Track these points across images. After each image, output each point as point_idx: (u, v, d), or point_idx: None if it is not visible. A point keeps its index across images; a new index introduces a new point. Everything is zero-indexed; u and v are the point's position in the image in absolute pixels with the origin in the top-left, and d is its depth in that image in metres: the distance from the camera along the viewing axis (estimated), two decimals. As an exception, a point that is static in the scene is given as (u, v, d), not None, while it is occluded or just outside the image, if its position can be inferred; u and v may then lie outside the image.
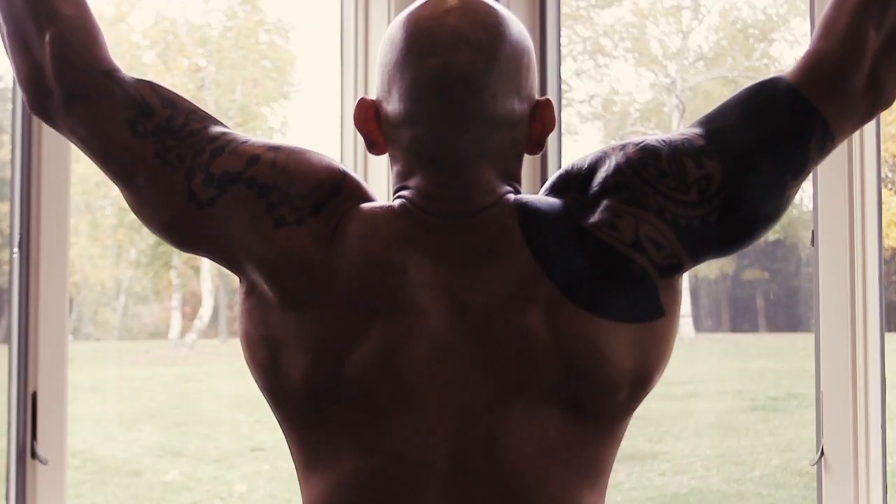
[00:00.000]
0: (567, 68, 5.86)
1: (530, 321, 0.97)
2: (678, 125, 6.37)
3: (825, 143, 1.04)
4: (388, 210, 1.04)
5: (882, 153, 1.90)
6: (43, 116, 1.10)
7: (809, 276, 2.21)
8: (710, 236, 1.01)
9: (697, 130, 1.04)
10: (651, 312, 1.00)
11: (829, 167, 1.91)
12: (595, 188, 1.02)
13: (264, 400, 1.05)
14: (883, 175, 1.90)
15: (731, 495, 5.10)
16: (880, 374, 1.89)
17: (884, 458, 1.88)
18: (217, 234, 1.04)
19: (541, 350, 0.97)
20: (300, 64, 7.40)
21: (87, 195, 7.02)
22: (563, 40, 2.32)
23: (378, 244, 1.01)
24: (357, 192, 1.06)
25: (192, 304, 7.05)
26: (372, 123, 1.06)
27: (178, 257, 6.86)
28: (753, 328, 6.69)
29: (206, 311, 6.84)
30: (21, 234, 1.83)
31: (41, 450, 1.80)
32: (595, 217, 1.01)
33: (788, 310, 6.66)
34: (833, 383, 1.91)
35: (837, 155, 1.90)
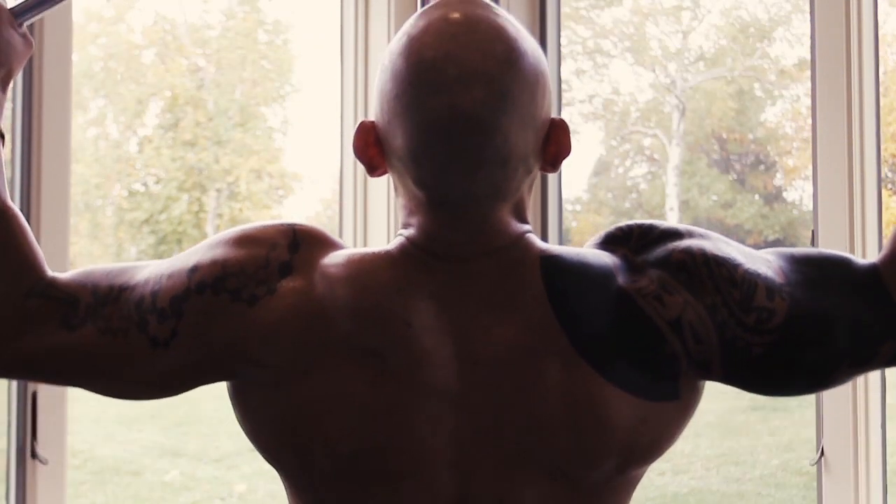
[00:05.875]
0: (567, 68, 5.85)
1: (540, 379, 0.92)
2: (678, 125, 6.37)
3: None
4: (385, 256, 0.96)
5: (882, 153, 1.90)
6: None
7: (809, 276, 2.19)
8: (747, 364, 0.95)
9: (781, 265, 0.98)
10: (666, 394, 0.94)
11: (829, 167, 1.91)
12: (655, 256, 0.96)
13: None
14: (883, 175, 1.90)
15: (731, 495, 5.10)
16: (880, 374, 1.89)
17: (884, 458, 1.88)
18: (197, 357, 0.96)
19: (546, 411, 0.91)
20: (300, 64, 7.40)
21: (87, 195, 7.02)
22: (563, 40, 2.32)
23: (376, 294, 0.94)
24: (318, 239, 0.98)
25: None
26: (373, 149, 0.98)
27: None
28: (753, 328, 6.67)
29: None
30: (21, 234, 1.83)
31: (41, 450, 1.79)
32: (642, 283, 0.94)
33: (788, 310, 6.63)
34: (833, 383, 1.91)
35: (837, 155, 1.90)
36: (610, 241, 0.99)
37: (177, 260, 0.99)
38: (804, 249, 1.00)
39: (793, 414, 5.93)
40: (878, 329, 0.95)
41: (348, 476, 0.94)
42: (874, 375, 1.89)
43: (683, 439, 5.64)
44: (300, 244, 0.97)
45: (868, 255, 1.90)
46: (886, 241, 0.99)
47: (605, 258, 0.96)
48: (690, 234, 0.98)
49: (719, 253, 0.96)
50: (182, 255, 1.00)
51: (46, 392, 1.82)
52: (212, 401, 6.53)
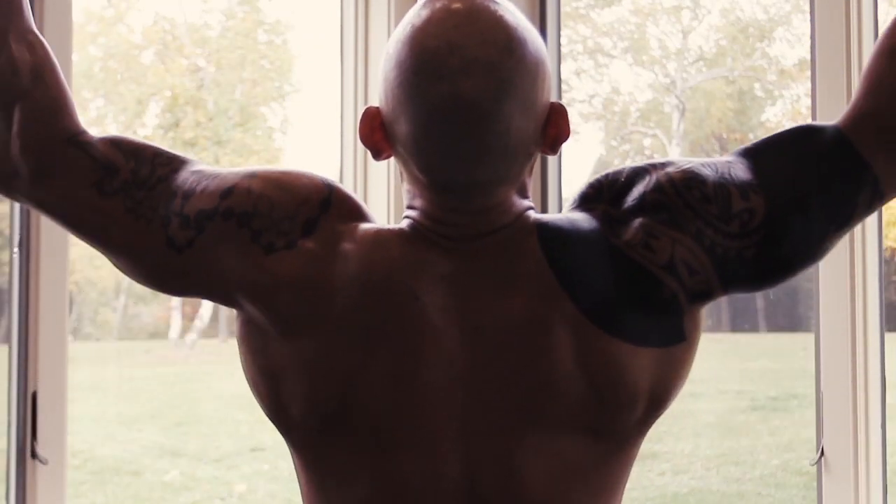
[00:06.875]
0: (567, 68, 5.86)
1: (550, 345, 0.94)
2: (678, 125, 6.36)
3: (874, 200, 0.99)
4: (398, 232, 0.99)
5: (882, 153, 1.90)
6: (7, 193, 1.05)
7: (809, 276, 2.21)
8: (744, 270, 0.97)
9: (745, 162, 1.00)
10: (672, 337, 0.97)
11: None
12: (631, 203, 0.98)
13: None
14: (883, 175, 1.90)
15: (731, 495, 5.10)
16: (880, 374, 1.89)
17: (884, 458, 1.88)
18: (204, 275, 1.00)
19: (560, 374, 0.94)
20: (300, 64, 7.39)
21: (87, 195, 7.00)
22: (563, 40, 2.32)
23: (387, 269, 0.96)
24: (349, 207, 1.01)
25: (191, 304, 7.05)
26: (378, 135, 1.01)
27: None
28: (753, 328, 6.68)
29: (205, 311, 6.84)
30: (21, 234, 1.83)
31: (41, 450, 1.79)
32: (629, 235, 0.97)
33: (788, 310, 6.65)
34: (833, 383, 1.91)
35: (837, 155, 1.90)
36: (586, 201, 1.01)
37: (216, 176, 1.01)
38: (761, 139, 1.02)
39: (793, 414, 5.93)
40: (851, 186, 0.97)
41: (341, 440, 0.96)
42: (874, 375, 1.89)
43: (683, 439, 5.64)
44: (331, 205, 1.00)
45: (869, 256, 1.90)
46: (847, 112, 1.00)
47: (588, 219, 0.99)
48: (654, 168, 1.00)
49: (686, 175, 0.98)
50: (223, 173, 1.02)
51: (46, 392, 1.82)
52: (212, 401, 6.53)
